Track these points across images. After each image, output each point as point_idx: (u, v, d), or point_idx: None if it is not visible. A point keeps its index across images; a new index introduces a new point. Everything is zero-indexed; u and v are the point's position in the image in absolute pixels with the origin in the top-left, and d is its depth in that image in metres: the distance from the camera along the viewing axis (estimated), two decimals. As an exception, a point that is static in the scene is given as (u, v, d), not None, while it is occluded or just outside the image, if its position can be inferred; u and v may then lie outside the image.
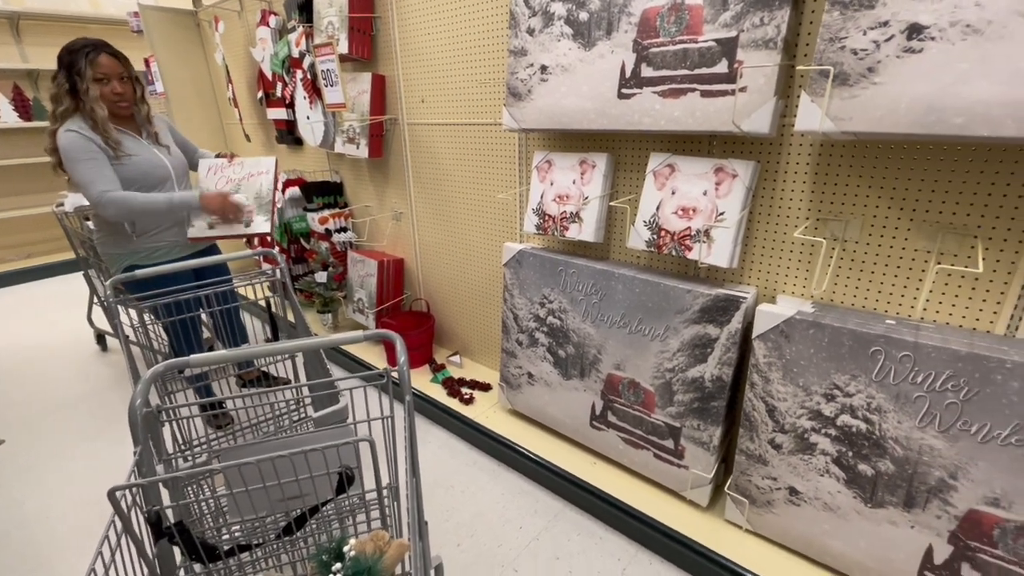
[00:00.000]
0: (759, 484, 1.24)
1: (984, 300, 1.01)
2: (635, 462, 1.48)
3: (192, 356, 0.78)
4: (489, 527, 1.45)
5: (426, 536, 0.89)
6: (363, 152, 2.08)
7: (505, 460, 1.69)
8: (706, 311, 1.24)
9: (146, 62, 3.28)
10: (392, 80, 2.02)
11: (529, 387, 1.71)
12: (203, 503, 1.02)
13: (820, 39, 0.94)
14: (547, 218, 1.54)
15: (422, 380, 2.06)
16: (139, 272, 1.25)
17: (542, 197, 1.55)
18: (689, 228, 1.25)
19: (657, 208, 1.31)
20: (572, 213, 1.48)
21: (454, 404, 1.89)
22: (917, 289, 1.07)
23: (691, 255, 1.25)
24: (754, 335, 1.16)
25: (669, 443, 1.38)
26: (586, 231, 1.45)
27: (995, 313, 1.00)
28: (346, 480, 0.73)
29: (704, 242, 1.23)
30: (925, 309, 1.07)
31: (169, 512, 0.75)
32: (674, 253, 1.28)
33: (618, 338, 1.43)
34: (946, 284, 1.04)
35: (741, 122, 1.09)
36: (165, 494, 1.00)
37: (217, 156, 1.78)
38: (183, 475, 0.71)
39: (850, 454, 1.08)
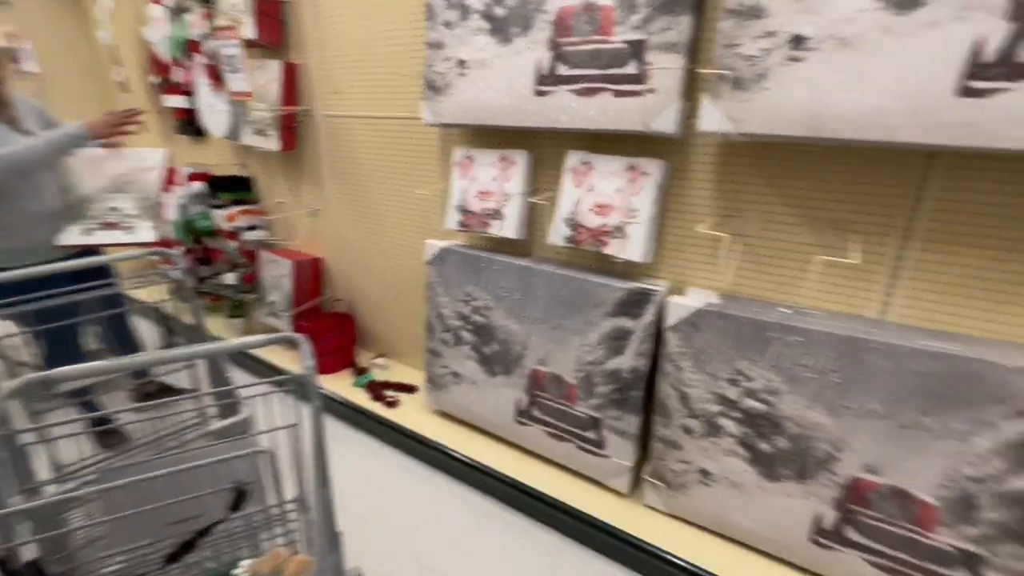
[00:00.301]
0: (674, 468, 1.30)
1: (859, 288, 1.12)
2: (560, 455, 1.50)
3: (55, 370, 0.69)
4: (417, 532, 1.41)
5: (340, 548, 0.84)
6: (273, 144, 1.95)
7: (433, 462, 1.66)
8: (622, 305, 1.28)
9: (11, 38, 2.88)
10: (305, 69, 1.91)
11: (455, 386, 1.68)
12: (78, 534, 0.90)
13: (718, 45, 0.99)
14: (469, 215, 1.52)
15: (344, 384, 1.97)
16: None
17: (464, 194, 1.53)
18: (605, 224, 1.29)
19: (576, 205, 1.33)
20: (494, 210, 1.48)
21: (378, 408, 1.82)
22: (805, 279, 1.17)
23: (607, 250, 1.28)
24: (666, 326, 1.22)
25: (591, 434, 1.41)
26: (508, 228, 1.45)
27: (868, 300, 1.12)
28: (240, 497, 0.67)
29: (619, 238, 1.27)
30: (813, 297, 1.18)
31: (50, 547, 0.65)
32: (592, 249, 1.31)
33: (541, 334, 1.44)
34: (829, 274, 1.15)
35: (650, 122, 1.14)
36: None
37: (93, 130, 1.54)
38: (28, 508, 0.62)
39: (752, 434, 1.16)
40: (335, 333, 2.03)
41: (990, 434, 0.92)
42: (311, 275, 2.16)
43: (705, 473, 1.25)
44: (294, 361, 2.15)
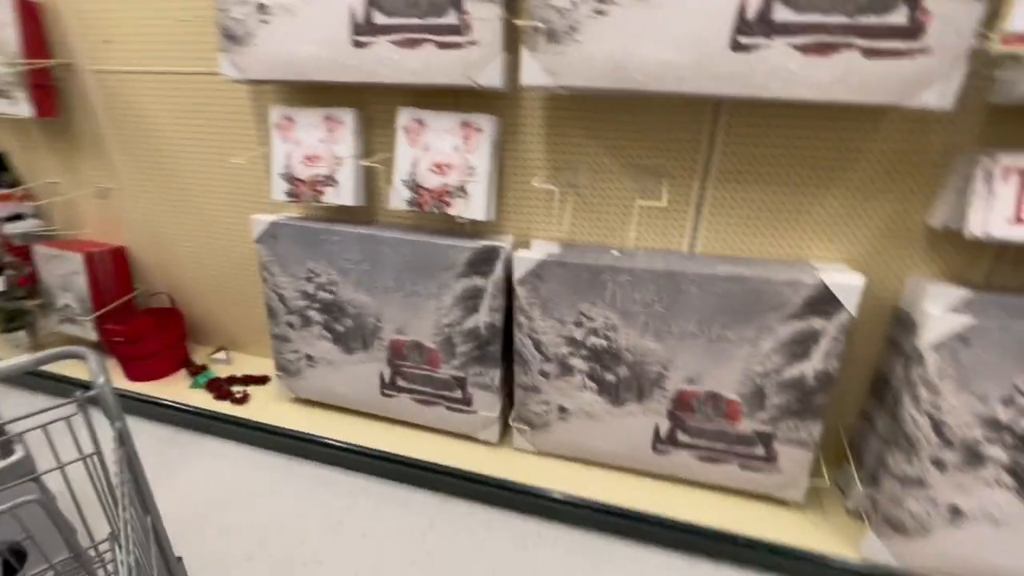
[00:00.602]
0: (536, 410, 1.38)
1: (673, 226, 1.27)
2: (430, 419, 1.51)
3: None
4: (285, 528, 1.32)
5: (181, 574, 0.75)
6: (23, 109, 1.54)
7: (297, 452, 1.56)
8: (472, 264, 1.29)
9: None
10: (54, 11, 1.51)
11: (311, 370, 1.58)
12: None
13: (531, -4, 0.99)
14: (298, 183, 1.38)
15: (181, 388, 1.73)
16: None
17: (288, 160, 1.38)
18: (446, 184, 1.26)
19: (413, 166, 1.28)
20: (326, 176, 1.36)
21: (226, 407, 1.64)
22: (629, 223, 1.29)
23: (451, 211, 1.26)
24: (515, 280, 1.26)
25: (458, 393, 1.44)
26: (344, 195, 1.35)
27: (680, 236, 1.27)
28: (20, 558, 0.55)
29: (461, 197, 1.26)
30: (637, 239, 1.30)
31: None
32: (435, 211, 1.28)
33: (395, 303, 1.40)
34: (648, 216, 1.27)
35: (476, 76, 1.11)
36: None
37: None
38: None
39: (599, 368, 1.28)
40: (158, 332, 1.75)
41: (771, 337, 1.13)
42: (113, 268, 1.81)
43: (563, 410, 1.35)
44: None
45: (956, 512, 1.03)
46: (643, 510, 1.26)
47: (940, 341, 0.96)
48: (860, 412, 1.31)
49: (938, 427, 1.00)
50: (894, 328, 1.18)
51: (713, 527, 1.21)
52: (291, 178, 1.38)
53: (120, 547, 0.60)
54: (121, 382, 1.76)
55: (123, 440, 0.66)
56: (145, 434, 1.64)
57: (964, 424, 0.99)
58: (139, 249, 1.86)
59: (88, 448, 0.74)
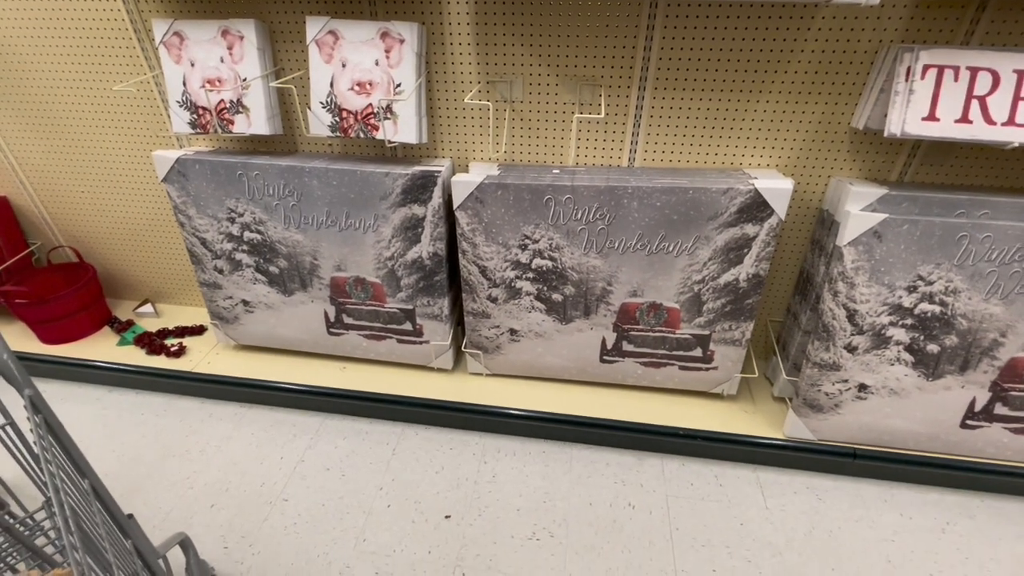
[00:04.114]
0: (487, 335, 1.40)
1: (612, 140, 1.24)
2: (381, 353, 1.50)
3: None
4: (245, 472, 1.32)
5: (135, 530, 0.74)
6: None
7: (246, 399, 1.52)
8: (408, 191, 1.23)
9: None
10: None
11: (249, 315, 1.50)
12: None
13: None
14: (201, 111, 1.23)
15: (106, 348, 1.61)
16: None
17: (185, 84, 1.21)
18: (371, 105, 1.16)
19: (331, 85, 1.16)
20: (232, 101, 1.21)
21: (161, 362, 1.55)
22: (569, 138, 1.25)
23: (379, 135, 1.17)
24: (455, 206, 1.21)
25: (407, 326, 1.43)
26: (256, 123, 1.22)
27: (620, 150, 1.25)
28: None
29: (389, 119, 1.17)
30: (577, 156, 1.27)
31: None
32: (361, 135, 1.19)
33: (330, 238, 1.32)
34: (587, 131, 1.24)
35: (391, -24, 0.99)
36: None
37: None
38: None
39: (545, 289, 1.29)
40: (69, 291, 1.60)
41: (708, 245, 1.17)
42: (-3, 223, 1.60)
43: (513, 332, 1.38)
44: (24, 341, 1.66)
45: (863, 388, 1.17)
46: (594, 416, 1.34)
47: (856, 237, 1.03)
48: (787, 309, 1.41)
49: (852, 316, 1.10)
50: (818, 228, 1.25)
51: (658, 425, 1.31)
52: (192, 105, 1.22)
53: (58, 514, 0.57)
54: (35, 347, 1.62)
55: (37, 407, 0.61)
56: (77, 399, 1.54)
57: (873, 312, 1.09)
58: (22, 198, 1.64)
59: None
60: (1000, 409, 1.14)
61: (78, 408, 1.51)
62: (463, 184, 1.18)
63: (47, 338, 1.63)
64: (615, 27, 1.10)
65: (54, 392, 1.56)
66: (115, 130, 1.43)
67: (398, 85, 1.14)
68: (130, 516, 0.75)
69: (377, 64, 1.13)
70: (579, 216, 1.18)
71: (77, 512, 0.58)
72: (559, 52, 1.15)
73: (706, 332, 1.28)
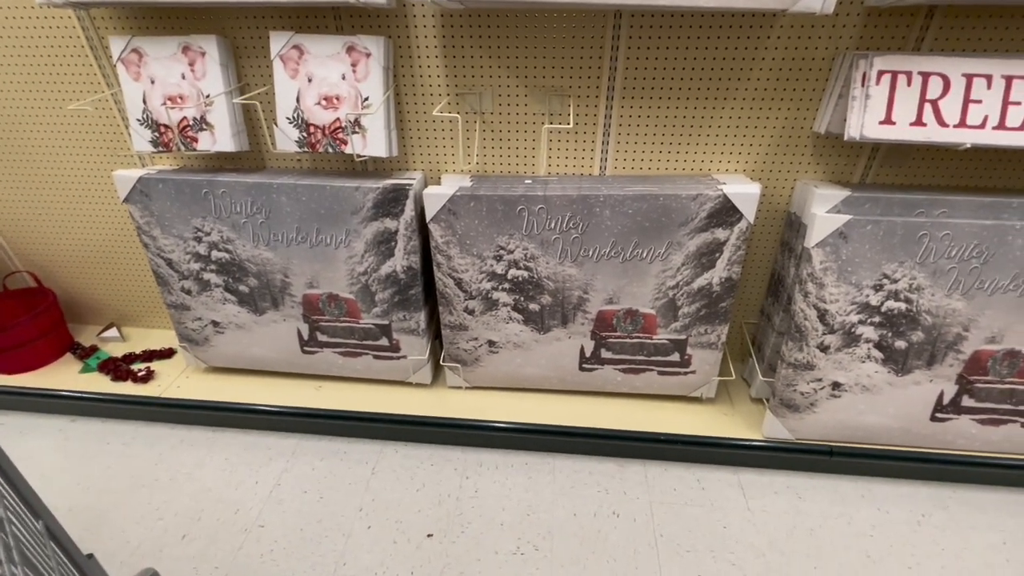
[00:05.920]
0: (465, 348, 1.39)
1: (583, 149, 1.25)
2: (358, 370, 1.47)
3: None
4: (219, 499, 1.28)
5: (93, 571, 0.70)
6: None
7: (219, 423, 1.47)
8: (379, 205, 1.21)
9: None
10: None
11: (219, 336, 1.46)
12: None
13: None
14: (163, 129, 1.20)
15: (67, 375, 1.55)
16: None
17: (145, 101, 1.18)
18: (338, 119, 1.15)
19: (298, 100, 1.14)
20: (195, 119, 1.18)
21: (127, 388, 1.50)
22: (540, 149, 1.25)
23: (347, 149, 1.16)
24: (428, 219, 1.20)
25: (383, 341, 1.40)
26: (221, 140, 1.19)
27: (591, 159, 1.26)
28: None
29: (358, 133, 1.15)
30: (549, 165, 1.28)
31: None
32: (330, 150, 1.17)
33: (300, 255, 1.30)
34: (558, 141, 1.24)
35: (354, -10, 0.98)
36: None
37: None
38: None
39: (522, 299, 1.29)
40: (27, 317, 1.53)
41: (680, 251, 1.18)
42: (-51, 249, 1.52)
43: (491, 343, 1.37)
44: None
45: (836, 386, 1.19)
46: (575, 425, 1.33)
47: (823, 239, 1.05)
48: (760, 311, 1.44)
49: (822, 316, 1.12)
50: (787, 231, 1.27)
51: (639, 431, 1.31)
52: (153, 123, 1.19)
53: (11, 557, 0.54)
54: (-8, 377, 1.55)
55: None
56: (39, 430, 1.47)
57: (843, 311, 1.11)
58: (-21, 223, 1.57)
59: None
60: (967, 401, 1.17)
61: (39, 441, 1.44)
62: (435, 196, 1.17)
63: (5, 368, 1.56)
64: (581, 38, 1.12)
65: (14, 424, 1.49)
66: (73, 150, 1.39)
67: (366, 99, 1.13)
68: (90, 556, 0.72)
69: (344, 78, 1.12)
70: (552, 226, 1.18)
71: (27, 556, 0.55)
72: (527, 63, 1.15)
73: (683, 337, 1.29)
